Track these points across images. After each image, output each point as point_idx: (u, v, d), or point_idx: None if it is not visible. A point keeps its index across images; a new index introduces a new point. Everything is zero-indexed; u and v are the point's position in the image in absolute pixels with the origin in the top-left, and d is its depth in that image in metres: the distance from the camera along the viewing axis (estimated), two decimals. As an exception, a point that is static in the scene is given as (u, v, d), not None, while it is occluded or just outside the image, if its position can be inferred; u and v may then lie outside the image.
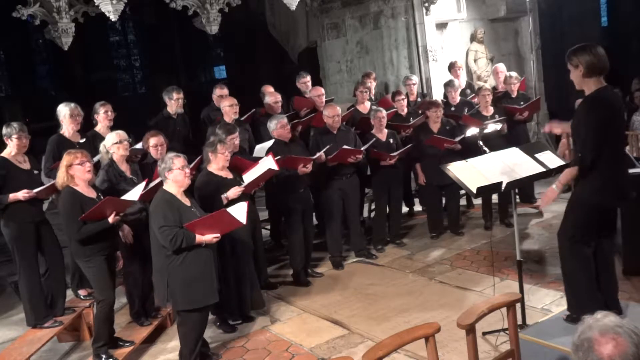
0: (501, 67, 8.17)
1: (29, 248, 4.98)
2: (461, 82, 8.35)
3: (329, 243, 6.45)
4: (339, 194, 6.27)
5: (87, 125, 5.86)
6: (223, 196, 4.93)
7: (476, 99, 7.35)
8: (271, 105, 6.82)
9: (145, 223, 4.96)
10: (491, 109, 6.98)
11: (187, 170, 4.32)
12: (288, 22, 11.10)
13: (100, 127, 5.79)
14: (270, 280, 6.09)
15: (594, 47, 3.72)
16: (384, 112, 6.63)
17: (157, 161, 5.27)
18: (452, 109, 7.55)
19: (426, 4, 8.91)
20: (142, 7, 17.75)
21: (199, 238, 4.17)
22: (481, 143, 5.41)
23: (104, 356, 4.56)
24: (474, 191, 4.16)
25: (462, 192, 7.01)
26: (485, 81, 9.13)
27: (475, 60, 9.47)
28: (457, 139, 6.56)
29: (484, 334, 4.34)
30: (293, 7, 8.08)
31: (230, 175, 5.13)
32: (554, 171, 4.37)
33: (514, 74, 7.58)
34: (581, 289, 3.85)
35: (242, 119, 6.76)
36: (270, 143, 6.02)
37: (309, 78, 7.73)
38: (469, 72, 9.38)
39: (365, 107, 7.45)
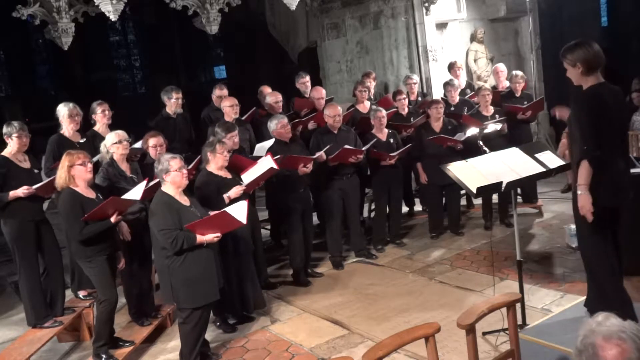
0: (501, 66, 8.17)
1: (29, 248, 4.98)
2: (461, 82, 8.35)
3: (329, 243, 6.45)
4: (339, 194, 6.27)
5: (87, 125, 5.86)
6: (225, 196, 4.93)
7: (476, 99, 7.34)
8: (272, 105, 6.82)
9: (145, 223, 4.97)
10: (491, 109, 6.98)
11: (185, 171, 4.33)
12: (288, 22, 11.10)
13: (99, 127, 5.79)
14: (270, 280, 6.09)
15: (588, 43, 3.71)
16: (384, 112, 6.63)
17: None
18: (452, 108, 7.55)
19: (426, 4, 8.91)
20: (142, 7, 17.74)
21: (200, 238, 4.18)
22: (481, 143, 5.42)
23: (104, 356, 4.56)
24: (474, 191, 4.16)
25: (463, 192, 7.02)
26: (485, 81, 9.13)
27: (475, 60, 9.47)
28: (457, 137, 6.56)
29: (484, 334, 4.34)
30: (293, 7, 8.08)
31: (229, 175, 5.13)
32: (554, 171, 4.37)
33: (519, 73, 7.55)
34: (606, 289, 3.78)
35: (243, 118, 6.77)
36: (270, 142, 6.03)
37: (308, 78, 7.73)
38: (469, 72, 9.39)
39: (364, 106, 7.45)
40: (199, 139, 6.57)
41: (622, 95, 3.96)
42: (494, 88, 7.91)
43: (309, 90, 7.50)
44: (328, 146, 6.04)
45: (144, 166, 5.45)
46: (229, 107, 6.47)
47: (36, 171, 5.10)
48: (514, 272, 5.08)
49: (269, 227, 7.34)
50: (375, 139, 6.47)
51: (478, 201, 7.31)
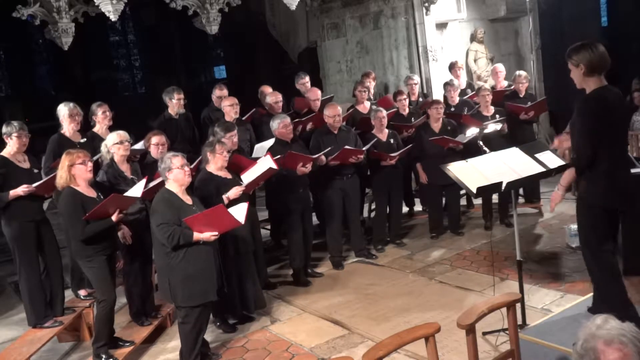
0: (500, 67, 8.17)
1: (29, 248, 4.98)
2: (462, 82, 8.35)
3: (329, 243, 6.45)
4: (340, 194, 6.27)
5: (87, 125, 5.86)
6: (224, 196, 4.93)
7: (476, 99, 7.34)
8: (272, 105, 6.82)
9: (145, 223, 4.97)
10: (491, 109, 6.98)
11: (187, 169, 4.34)
12: (288, 22, 11.09)
13: (98, 128, 5.79)
14: (270, 280, 6.09)
15: (594, 45, 3.66)
16: (384, 112, 6.62)
17: (157, 161, 5.28)
18: (452, 109, 7.55)
19: (426, 4, 8.90)
20: (142, 7, 17.73)
21: (197, 236, 4.18)
22: (481, 143, 5.42)
23: (104, 356, 4.56)
24: (474, 191, 4.15)
25: (463, 192, 7.02)
26: (485, 81, 9.13)
27: (475, 60, 9.47)
28: (459, 138, 6.56)
29: (484, 334, 4.34)
30: (293, 7, 8.08)
31: (229, 175, 5.13)
32: (554, 171, 4.36)
33: (523, 73, 7.53)
34: (607, 290, 3.77)
35: (243, 118, 6.77)
36: (270, 142, 6.03)
37: (307, 79, 7.72)
38: (469, 72, 9.38)
39: (364, 107, 7.45)
40: (196, 139, 6.57)
41: (623, 98, 3.96)
42: (493, 88, 7.90)
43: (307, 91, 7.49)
44: (329, 148, 6.03)
45: (144, 166, 5.46)
46: (229, 107, 6.47)
47: (36, 171, 5.10)
48: (514, 272, 5.08)
49: (269, 227, 7.34)
50: (376, 139, 6.46)
51: (478, 201, 7.31)
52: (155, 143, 5.43)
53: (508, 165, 4.26)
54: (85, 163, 4.49)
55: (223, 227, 4.35)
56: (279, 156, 5.55)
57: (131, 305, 5.20)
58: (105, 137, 5.29)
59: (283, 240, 6.96)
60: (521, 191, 7.24)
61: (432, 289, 5.61)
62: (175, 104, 6.58)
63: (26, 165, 5.00)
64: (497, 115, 6.84)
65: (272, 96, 6.90)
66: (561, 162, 4.35)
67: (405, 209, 7.61)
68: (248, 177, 5.20)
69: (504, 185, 4.15)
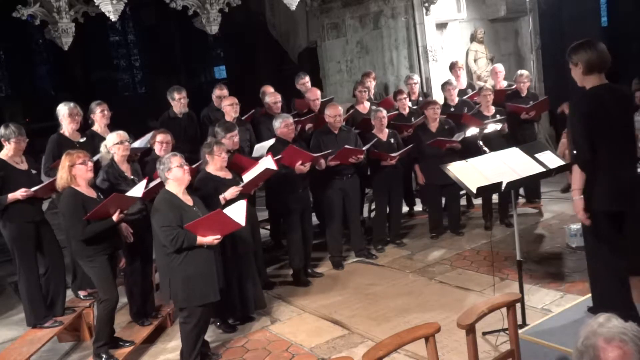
0: (499, 67, 8.17)
1: (28, 248, 4.97)
2: (462, 82, 8.36)
3: (329, 243, 6.45)
4: (340, 194, 6.27)
5: (86, 126, 5.86)
6: (221, 197, 4.94)
7: (477, 98, 7.33)
8: (271, 105, 6.82)
9: (145, 223, 4.97)
10: (492, 109, 6.97)
11: (186, 167, 4.35)
12: (288, 22, 11.09)
13: (97, 127, 5.78)
14: (270, 280, 6.10)
15: (593, 43, 3.62)
16: (384, 112, 6.62)
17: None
18: (452, 109, 7.55)
19: (426, 4, 8.90)
20: (142, 7, 17.74)
21: (200, 240, 4.20)
22: (481, 143, 5.41)
23: (104, 356, 4.56)
24: (474, 191, 4.15)
25: (462, 192, 7.01)
26: (485, 81, 9.12)
27: (475, 60, 9.47)
28: (456, 137, 6.56)
29: (484, 334, 4.34)
30: (293, 7, 8.08)
31: (229, 175, 5.13)
32: (554, 171, 4.36)
33: (525, 72, 7.53)
34: (608, 292, 3.71)
35: (243, 118, 6.77)
36: (270, 142, 6.03)
37: (307, 79, 7.72)
38: (469, 72, 9.38)
39: (364, 107, 7.45)
40: (198, 139, 6.56)
41: (628, 96, 3.83)
42: (492, 88, 7.90)
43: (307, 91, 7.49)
44: (329, 151, 6.01)
45: (145, 165, 5.46)
46: (229, 106, 6.47)
47: (34, 172, 5.08)
48: (514, 272, 5.08)
49: (268, 227, 7.34)
50: (376, 139, 6.46)
51: (478, 201, 7.31)
52: (160, 141, 5.43)
53: (508, 165, 4.26)
54: (85, 163, 4.50)
55: (225, 230, 4.36)
56: (279, 156, 5.55)
57: (131, 305, 5.20)
58: (104, 135, 5.29)
59: (283, 240, 6.96)
60: (521, 191, 7.24)
61: (432, 289, 5.61)
62: (177, 103, 6.60)
63: (24, 166, 4.99)
64: (498, 115, 6.84)
65: (271, 96, 6.90)
66: (561, 162, 4.36)
67: (405, 209, 7.61)
68: (248, 177, 5.21)
69: (504, 185, 4.14)
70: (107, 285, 4.56)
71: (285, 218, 6.18)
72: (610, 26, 13.46)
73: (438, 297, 5.39)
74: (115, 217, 4.46)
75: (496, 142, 5.95)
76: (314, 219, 6.75)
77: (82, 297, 5.47)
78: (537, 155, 4.37)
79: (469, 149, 6.01)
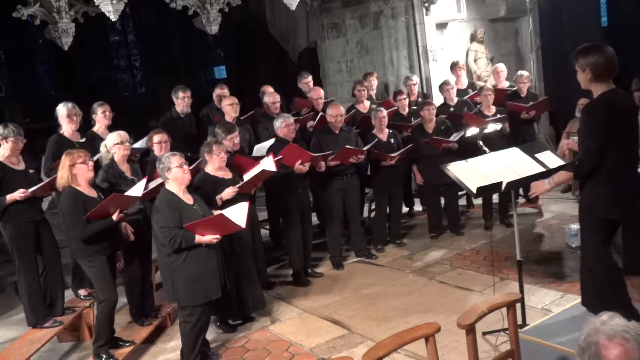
0: (501, 66, 8.17)
1: (28, 248, 4.97)
2: (463, 82, 8.36)
3: (329, 243, 6.45)
4: (340, 194, 6.27)
5: (87, 126, 5.86)
6: (217, 197, 4.93)
7: (478, 98, 7.33)
8: (269, 105, 6.82)
9: (144, 223, 4.97)
10: (493, 109, 6.97)
11: (186, 167, 4.35)
12: (288, 22, 11.09)
13: (98, 127, 5.78)
14: (270, 280, 6.10)
15: (601, 48, 3.52)
16: (384, 112, 6.63)
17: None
18: (451, 109, 7.55)
19: (426, 4, 8.90)
20: (142, 7, 17.75)
21: (199, 239, 4.19)
22: (481, 143, 5.41)
23: (104, 356, 4.56)
24: (474, 191, 4.15)
25: (462, 192, 7.01)
26: (485, 81, 9.12)
27: (475, 60, 9.47)
28: (453, 137, 6.56)
29: (484, 334, 4.34)
30: (293, 7, 8.07)
31: (228, 175, 5.13)
32: (554, 171, 4.36)
33: (525, 72, 7.54)
34: (605, 288, 3.70)
35: (242, 118, 6.77)
36: (270, 142, 6.03)
37: (310, 78, 7.72)
38: (469, 72, 9.38)
39: (364, 106, 7.46)
40: (198, 138, 6.56)
41: (633, 102, 3.78)
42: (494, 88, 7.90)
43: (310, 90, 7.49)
44: (329, 152, 6.01)
45: (144, 165, 5.46)
46: (229, 106, 6.47)
47: (31, 171, 5.06)
48: (514, 272, 5.08)
49: (268, 227, 7.34)
50: (376, 139, 6.46)
51: (478, 201, 7.30)
52: (158, 141, 5.44)
53: (508, 165, 4.26)
54: (86, 162, 4.50)
55: (224, 231, 4.36)
56: (280, 156, 5.55)
57: (131, 305, 5.20)
58: (104, 136, 5.29)
59: (283, 240, 6.95)
60: (521, 191, 7.24)
61: (432, 289, 5.61)
62: (180, 102, 6.62)
63: (21, 166, 4.98)
64: (499, 115, 6.84)
65: (270, 96, 6.89)
66: (561, 162, 4.36)
67: (405, 209, 7.61)
68: (246, 178, 5.20)
69: (504, 185, 4.14)
70: (106, 285, 4.56)
71: (285, 218, 6.18)
72: (610, 26, 13.44)
73: (438, 297, 5.39)
74: (115, 217, 4.46)
75: (496, 142, 5.95)
76: (314, 219, 6.75)
77: (82, 297, 5.48)
78: (537, 155, 4.36)
79: (467, 149, 6.01)
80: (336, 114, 6.23)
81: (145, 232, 5.01)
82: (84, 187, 4.51)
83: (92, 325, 5.20)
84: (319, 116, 6.84)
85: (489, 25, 9.80)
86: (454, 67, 8.40)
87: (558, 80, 10.02)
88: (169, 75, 17.82)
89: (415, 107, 7.60)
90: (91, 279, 4.71)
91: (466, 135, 6.23)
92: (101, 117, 5.77)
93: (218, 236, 4.27)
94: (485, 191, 4.50)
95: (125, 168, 5.05)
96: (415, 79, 8.17)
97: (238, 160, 5.48)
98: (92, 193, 4.56)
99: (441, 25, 9.31)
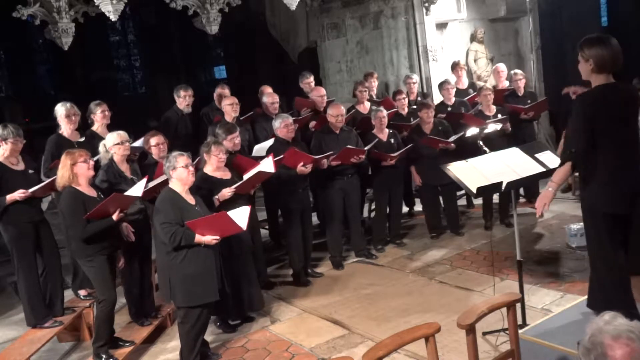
0: (502, 66, 8.17)
1: (27, 248, 4.96)
2: (464, 82, 8.36)
3: (330, 243, 6.45)
4: (341, 194, 6.27)
5: (86, 126, 5.85)
6: (214, 198, 4.93)
7: (478, 98, 7.34)
8: (268, 106, 6.82)
9: (144, 223, 4.98)
10: (493, 109, 6.97)
11: (191, 168, 4.36)
12: (288, 22, 11.09)
13: (97, 127, 5.78)
14: (270, 280, 6.09)
15: (608, 41, 3.51)
16: (384, 112, 6.62)
17: (157, 162, 5.29)
18: (449, 109, 7.54)
19: (426, 4, 8.90)
20: (142, 7, 17.75)
21: (198, 238, 4.20)
22: (481, 143, 5.41)
23: (104, 356, 4.56)
24: (474, 191, 4.15)
25: (461, 192, 7.01)
26: (485, 81, 9.13)
27: (475, 60, 9.47)
28: (452, 139, 6.56)
29: (484, 334, 4.34)
30: (293, 7, 8.07)
31: (227, 176, 5.12)
32: (554, 171, 4.35)
33: (518, 71, 7.56)
34: (609, 288, 3.68)
35: (242, 118, 6.77)
36: (270, 142, 6.02)
37: (312, 78, 7.71)
38: (469, 72, 9.38)
39: (365, 107, 7.45)
40: (197, 137, 6.57)
41: (634, 97, 3.72)
42: (494, 88, 7.91)
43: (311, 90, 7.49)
44: (331, 152, 6.01)
45: (143, 167, 5.46)
46: (229, 106, 6.48)
47: (31, 171, 5.05)
48: (514, 272, 5.08)
49: (268, 227, 7.33)
50: (377, 139, 6.46)
51: (478, 201, 7.30)
52: (155, 143, 5.45)
53: (508, 165, 4.26)
54: (87, 161, 4.51)
55: (225, 232, 4.36)
56: (280, 156, 5.55)
57: (131, 305, 5.20)
58: (104, 136, 5.29)
59: (283, 241, 6.96)
60: (521, 191, 7.24)
61: (432, 289, 5.61)
62: (181, 101, 6.64)
63: (20, 167, 4.97)
64: (499, 115, 6.84)
65: (269, 97, 6.89)
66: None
67: (405, 209, 7.61)
68: (244, 178, 5.20)
69: (504, 185, 4.14)
70: (106, 285, 4.56)
71: (285, 218, 6.18)
72: (610, 26, 13.45)
73: (438, 297, 5.38)
74: (115, 217, 4.46)
75: (497, 142, 5.95)
76: (314, 219, 6.74)
77: (82, 297, 5.47)
78: (537, 155, 4.37)
79: (466, 149, 6.01)
80: (337, 114, 6.23)
81: (145, 232, 5.02)
82: (84, 187, 4.51)
83: (92, 325, 5.20)
84: (312, 114, 6.85)
85: (489, 25, 9.80)
86: (455, 67, 8.40)
87: (558, 80, 10.00)
88: (169, 75, 17.83)
89: (415, 107, 7.60)
90: (91, 279, 4.70)
91: (466, 136, 6.23)
92: (100, 116, 5.76)
93: (218, 237, 4.27)
94: (485, 191, 4.50)
95: (124, 168, 5.05)
96: (415, 77, 8.17)
97: (239, 161, 5.48)
98: (92, 193, 4.56)
99: (441, 25, 9.31)
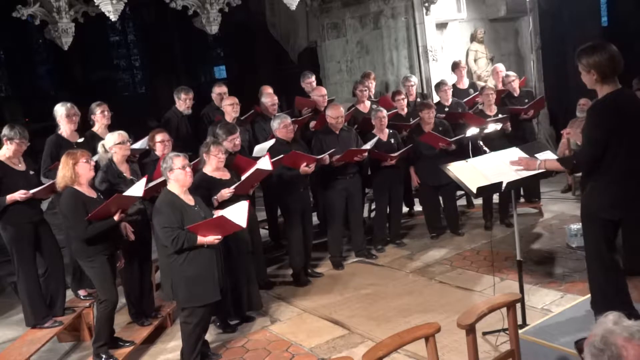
0: (500, 67, 8.18)
1: (27, 249, 4.96)
2: (464, 82, 8.36)
3: (330, 243, 6.45)
4: (344, 194, 6.27)
5: (86, 126, 5.85)
6: (213, 198, 4.93)
7: (479, 98, 7.34)
8: (267, 106, 6.82)
9: (144, 224, 4.97)
10: (494, 108, 6.97)
11: (189, 169, 4.34)
12: (288, 22, 11.09)
13: (97, 127, 5.78)
14: (270, 280, 6.09)
15: (605, 47, 3.47)
16: (384, 112, 6.62)
17: (159, 158, 5.29)
18: (446, 109, 7.54)
19: (426, 4, 8.90)
20: (142, 7, 17.75)
21: (201, 239, 4.20)
22: (481, 143, 5.40)
23: (104, 356, 4.56)
24: (474, 191, 4.15)
25: (460, 192, 7.01)
26: (485, 81, 9.12)
27: (475, 60, 9.47)
28: (452, 139, 6.56)
29: (484, 334, 4.34)
30: (293, 7, 8.07)
31: (226, 176, 5.12)
32: (554, 171, 4.36)
33: (510, 73, 7.59)
34: (605, 287, 3.69)
35: (242, 118, 6.77)
36: (270, 143, 6.02)
37: (313, 78, 7.70)
38: (469, 72, 9.38)
39: (365, 106, 7.45)
40: (196, 137, 6.57)
41: (638, 102, 3.73)
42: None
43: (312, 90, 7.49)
44: (333, 150, 6.02)
45: (144, 166, 5.46)
46: (230, 106, 6.48)
47: (32, 173, 5.06)
48: (514, 272, 5.08)
49: (268, 227, 7.33)
50: (377, 138, 6.46)
51: (478, 201, 7.30)
52: (161, 140, 5.46)
53: (508, 165, 4.26)
54: (88, 161, 4.51)
55: (225, 232, 4.37)
56: (280, 156, 5.54)
57: (131, 305, 5.20)
58: (104, 136, 5.29)
59: (283, 240, 6.96)
60: (521, 191, 7.24)
61: (432, 289, 5.61)
62: (181, 103, 6.64)
63: (22, 167, 4.98)
64: (500, 115, 6.84)
65: (268, 97, 6.89)
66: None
67: (405, 209, 7.61)
68: (243, 178, 5.20)
69: (504, 185, 4.14)
70: (107, 285, 4.56)
71: (286, 218, 6.17)
72: (610, 26, 13.45)
73: (438, 297, 5.38)
74: (116, 217, 4.46)
75: (498, 142, 5.94)
76: (314, 219, 6.74)
77: (82, 297, 5.47)
78: (537, 155, 4.36)
79: (465, 149, 6.00)
80: (337, 116, 6.22)
81: (144, 232, 5.01)
82: (84, 187, 4.51)
83: (92, 326, 5.20)
84: (311, 115, 6.85)
85: (489, 25, 9.81)
86: (456, 66, 8.39)
87: (558, 80, 10.02)
88: (169, 75, 17.83)
89: (415, 107, 7.60)
90: (91, 280, 4.70)
91: (466, 135, 6.23)
92: (100, 116, 5.76)
93: (220, 237, 4.27)
94: (485, 191, 4.50)
95: (124, 168, 5.04)
96: (414, 80, 8.12)
97: (238, 161, 5.48)
98: (92, 193, 4.56)
99: (441, 25, 9.31)
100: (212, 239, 4.23)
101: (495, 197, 7.02)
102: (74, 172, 4.43)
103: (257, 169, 5.19)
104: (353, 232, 6.61)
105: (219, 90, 7.07)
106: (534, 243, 6.46)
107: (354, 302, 5.49)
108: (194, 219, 4.23)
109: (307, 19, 10.80)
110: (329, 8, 10.41)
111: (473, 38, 9.57)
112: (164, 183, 4.49)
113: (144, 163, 5.57)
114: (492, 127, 6.28)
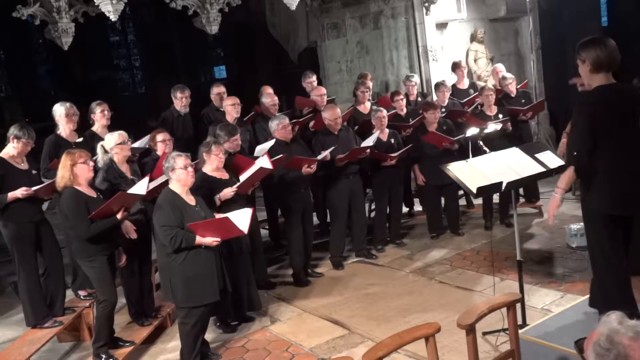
0: (500, 67, 8.18)
1: (28, 248, 4.96)
2: (464, 82, 8.36)
3: (332, 243, 6.46)
4: (347, 195, 6.28)
5: (86, 126, 5.85)
6: (216, 197, 4.93)
7: (479, 99, 7.34)
8: (267, 107, 6.82)
9: (144, 224, 4.97)
10: (494, 109, 6.97)
11: (191, 169, 4.35)
12: (288, 22, 11.09)
13: (97, 127, 5.77)
14: (270, 280, 6.09)
15: (603, 41, 3.55)
16: (384, 112, 6.62)
17: (159, 157, 5.30)
18: (443, 109, 7.53)
19: (426, 4, 8.90)
20: (142, 7, 17.76)
21: (199, 240, 4.19)
22: (481, 143, 5.41)
23: (104, 356, 4.56)
24: (474, 191, 4.15)
25: (462, 192, 7.01)
26: (485, 81, 9.12)
27: (475, 60, 9.47)
28: (455, 139, 6.56)
29: (484, 334, 4.34)
30: (293, 7, 8.08)
31: (225, 176, 5.12)
32: (554, 171, 4.36)
33: (507, 74, 7.59)
34: (609, 287, 3.67)
35: (244, 119, 6.77)
36: (270, 143, 6.02)
37: (314, 78, 7.70)
38: (469, 72, 9.38)
39: (365, 107, 7.45)
40: (197, 138, 6.57)
41: (635, 97, 3.72)
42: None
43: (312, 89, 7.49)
44: (333, 147, 6.02)
45: (144, 165, 5.46)
46: (231, 106, 6.47)
47: (34, 172, 5.07)
48: (514, 272, 5.08)
49: (268, 227, 7.33)
50: (378, 133, 6.46)
51: (478, 201, 7.30)
52: (162, 139, 5.47)
53: (508, 165, 4.26)
54: (87, 162, 4.50)
55: (226, 235, 4.37)
56: (279, 156, 5.55)
57: (131, 305, 5.20)
58: (103, 136, 5.28)
59: (283, 240, 6.95)
60: (521, 191, 7.24)
61: (432, 289, 5.61)
62: (178, 102, 6.63)
63: (24, 166, 4.98)
64: (500, 115, 6.85)
65: (268, 97, 6.88)
66: (561, 162, 4.35)
67: (405, 209, 7.61)
68: (243, 178, 5.20)
69: (504, 185, 4.14)
70: (106, 285, 4.56)
71: (286, 218, 6.17)
72: (610, 26, 13.45)
73: (438, 297, 5.38)
74: (119, 216, 4.46)
75: (498, 143, 5.95)
76: (314, 219, 6.74)
77: (81, 297, 5.47)
78: (537, 155, 4.37)
79: (465, 150, 6.00)
80: (334, 117, 6.22)
81: (144, 232, 5.01)
82: (84, 187, 4.50)
83: (92, 326, 5.20)
84: (311, 116, 6.85)
85: (489, 25, 9.81)
86: (457, 66, 8.38)
87: (558, 80, 10.01)
88: (169, 75, 17.83)
89: (414, 107, 7.60)
90: (91, 280, 4.70)
91: (467, 136, 6.23)
92: (100, 116, 5.76)
93: (218, 239, 4.27)
94: (485, 191, 4.50)
95: (125, 168, 5.04)
96: (416, 79, 8.14)
97: (239, 161, 5.48)
98: (92, 193, 4.56)
99: (441, 25, 9.32)
100: (211, 240, 4.23)
101: (495, 197, 7.02)
102: (71, 173, 4.43)
103: (261, 167, 5.20)
104: (355, 232, 6.60)
105: (217, 90, 7.06)
106: (534, 243, 6.46)
107: (354, 302, 5.49)
108: (194, 218, 4.24)
109: (307, 19, 10.80)
110: (329, 8, 10.42)
111: (473, 38, 9.57)
112: (166, 183, 4.49)
113: (144, 162, 5.57)
114: (492, 127, 6.28)
